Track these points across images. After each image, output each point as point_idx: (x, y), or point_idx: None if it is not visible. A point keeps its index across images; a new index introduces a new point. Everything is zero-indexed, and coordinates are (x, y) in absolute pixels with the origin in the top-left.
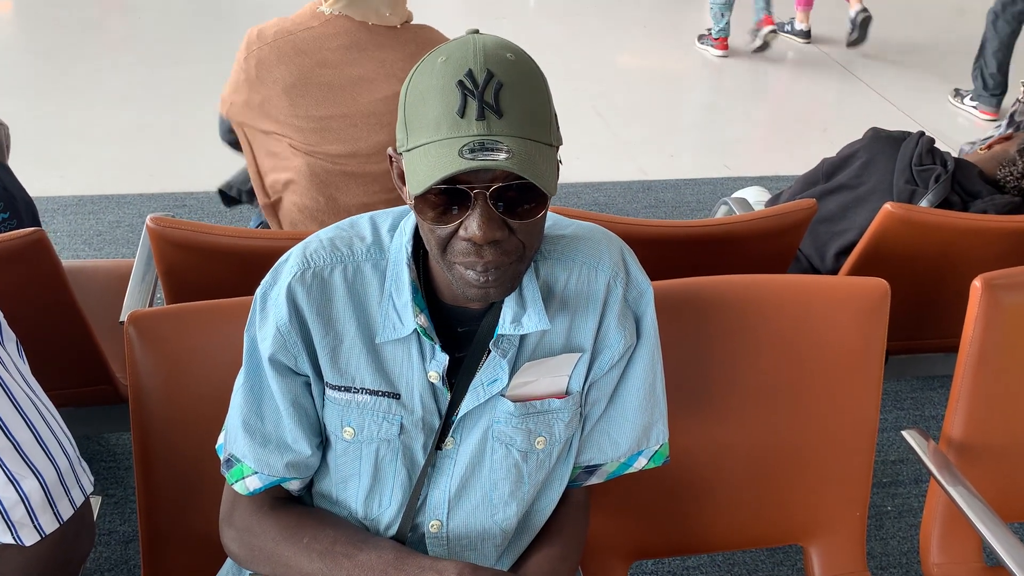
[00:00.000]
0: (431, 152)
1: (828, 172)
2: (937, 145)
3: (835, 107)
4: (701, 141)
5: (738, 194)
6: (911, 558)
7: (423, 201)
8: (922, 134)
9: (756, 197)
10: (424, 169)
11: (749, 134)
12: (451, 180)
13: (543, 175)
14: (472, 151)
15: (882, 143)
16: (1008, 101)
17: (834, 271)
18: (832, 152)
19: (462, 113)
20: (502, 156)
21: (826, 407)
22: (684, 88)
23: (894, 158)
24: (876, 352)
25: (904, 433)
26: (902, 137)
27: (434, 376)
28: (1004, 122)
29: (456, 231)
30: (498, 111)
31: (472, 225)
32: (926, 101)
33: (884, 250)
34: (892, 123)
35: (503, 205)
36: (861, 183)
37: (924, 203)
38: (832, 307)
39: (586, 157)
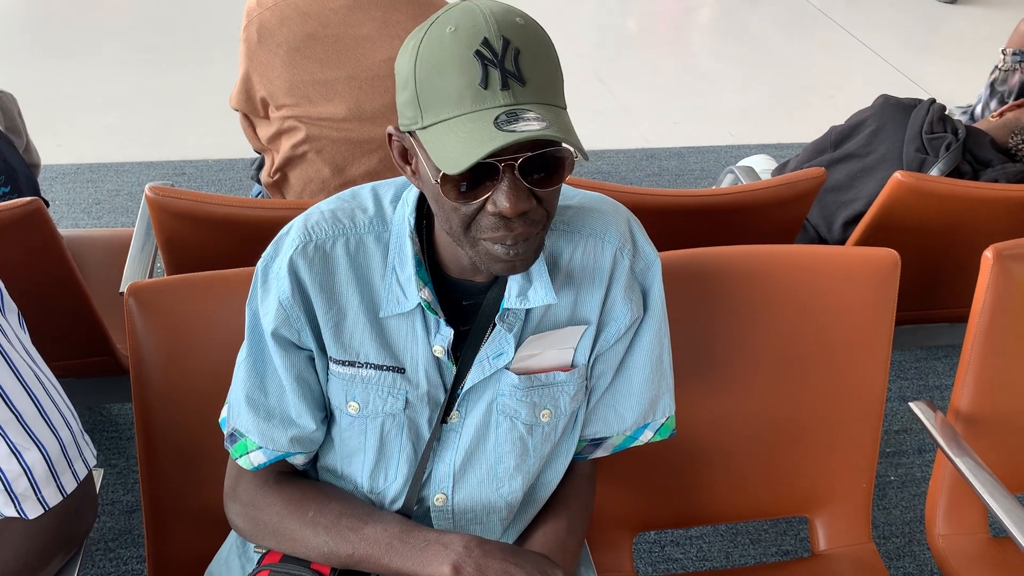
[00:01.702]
0: (461, 127)
1: (836, 140)
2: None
3: (842, 73)
4: (705, 108)
5: (744, 162)
6: (914, 527)
7: (447, 179)
8: (933, 101)
9: (762, 165)
10: (456, 145)
11: (754, 101)
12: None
13: (576, 139)
14: (507, 122)
15: (892, 111)
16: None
17: (842, 241)
18: (839, 119)
19: (485, 84)
20: (539, 125)
21: (834, 379)
22: (688, 54)
23: (904, 126)
24: (885, 323)
25: (912, 405)
26: (912, 104)
27: (439, 350)
28: (984, 92)
29: (482, 207)
30: (521, 79)
31: (501, 199)
32: (934, 67)
33: (893, 220)
34: (901, 90)
35: (528, 175)
36: (870, 151)
37: (934, 172)
38: (841, 278)
39: (589, 124)
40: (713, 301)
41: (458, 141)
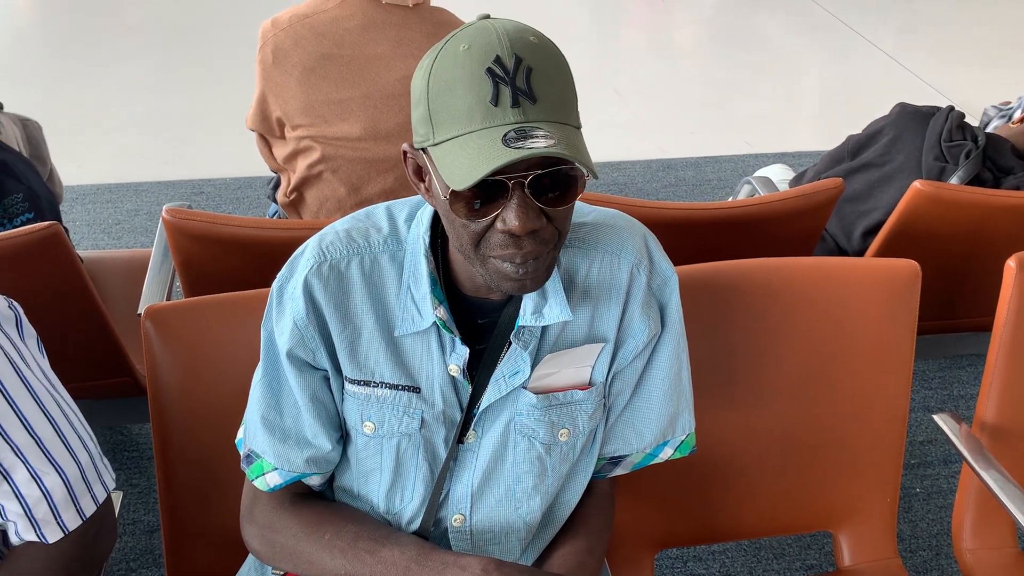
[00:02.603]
0: (469, 144)
1: (854, 150)
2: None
3: (859, 80)
4: (721, 117)
5: (760, 172)
6: (941, 540)
7: (457, 196)
8: (952, 108)
9: (779, 175)
10: (465, 162)
11: (770, 109)
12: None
13: (586, 158)
14: (515, 139)
15: (910, 119)
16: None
17: (861, 251)
18: (857, 126)
19: (495, 101)
20: (546, 143)
21: (855, 392)
22: (703, 63)
23: (922, 134)
24: (906, 335)
25: (936, 417)
26: (931, 112)
27: (454, 369)
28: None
29: (492, 224)
30: (531, 96)
31: (510, 216)
32: (953, 74)
33: (913, 229)
34: (920, 97)
35: (538, 193)
36: (888, 160)
37: (954, 180)
38: (861, 290)
39: (604, 136)
40: (732, 315)
41: (466, 158)
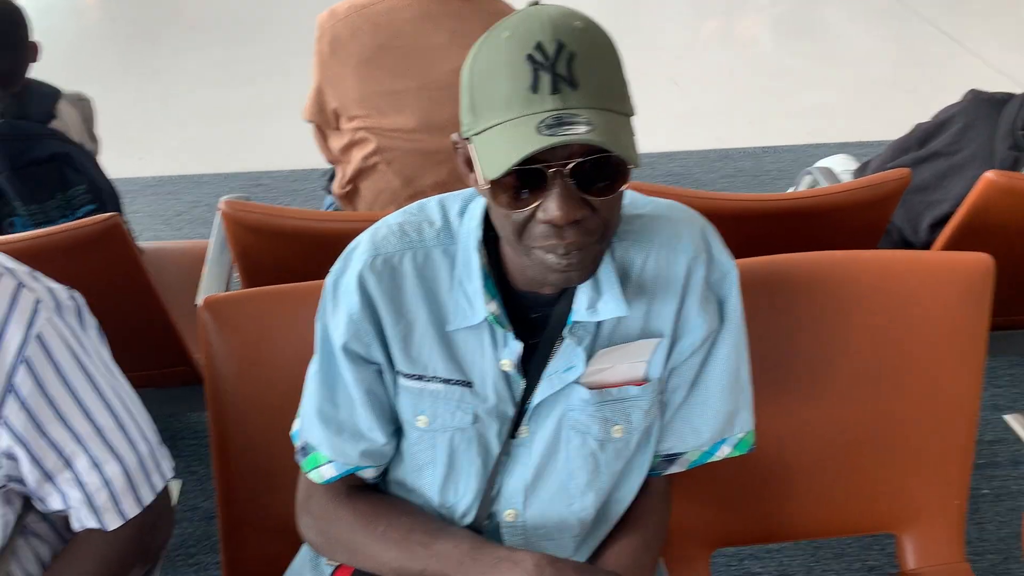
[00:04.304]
0: (505, 132)
1: (921, 139)
2: None
3: (925, 68)
4: (781, 107)
5: (822, 163)
6: (1010, 544)
7: (497, 185)
8: None
9: (842, 166)
10: (499, 151)
11: (831, 98)
12: (527, 160)
13: (626, 146)
14: (550, 127)
15: (982, 106)
16: None
17: (928, 244)
18: (922, 116)
19: (534, 88)
20: (583, 129)
21: (923, 390)
22: (762, 51)
23: (995, 122)
24: (978, 332)
25: (1007, 418)
26: (1005, 99)
27: (507, 364)
28: None
29: (533, 214)
30: (572, 83)
31: (551, 206)
32: None
33: (984, 221)
34: (991, 85)
35: (582, 182)
36: (958, 150)
37: None
38: (931, 285)
39: (660, 125)
40: (794, 310)
41: (500, 146)
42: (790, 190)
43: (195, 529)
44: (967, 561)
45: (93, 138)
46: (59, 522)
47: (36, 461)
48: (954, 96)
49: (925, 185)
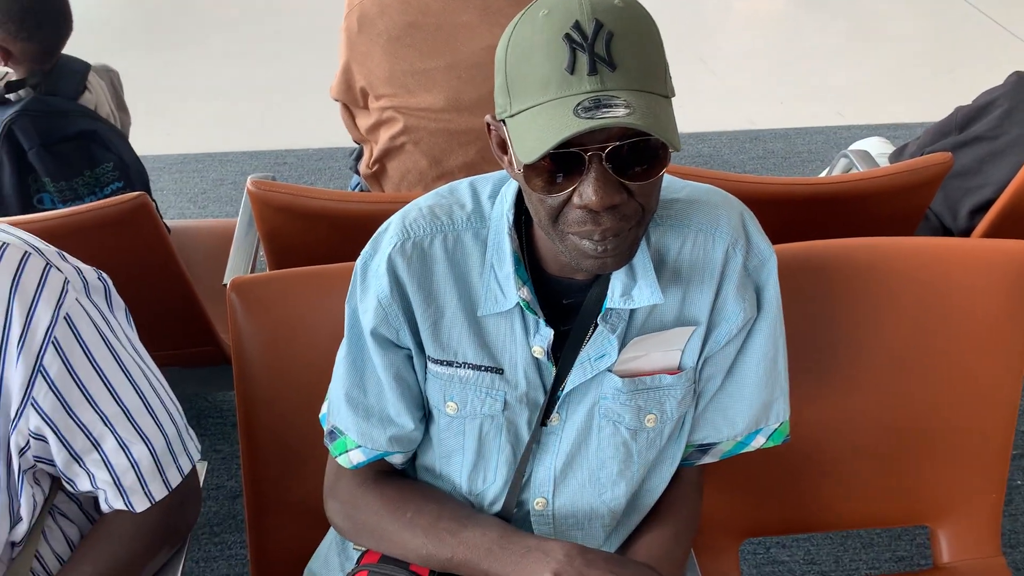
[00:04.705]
0: (541, 115)
1: (962, 122)
2: None
3: (963, 48)
4: (813, 87)
5: (858, 145)
6: None
7: (532, 169)
8: None
9: (879, 149)
10: (535, 134)
11: (865, 78)
12: (564, 143)
13: (666, 129)
14: (587, 109)
15: None
16: None
17: (968, 230)
18: (960, 98)
19: (572, 69)
20: (621, 112)
21: (961, 380)
22: (793, 29)
23: None
24: (1019, 321)
25: None
26: None
27: (538, 351)
28: None
29: (569, 199)
30: (611, 63)
31: (587, 191)
32: None
33: None
34: None
35: (619, 166)
36: (1001, 134)
37: None
38: (971, 273)
39: (688, 105)
40: (829, 297)
41: (537, 129)
42: (823, 173)
43: (219, 508)
44: (1003, 555)
45: (124, 108)
46: (87, 503)
47: (64, 442)
48: (994, 79)
49: (965, 170)
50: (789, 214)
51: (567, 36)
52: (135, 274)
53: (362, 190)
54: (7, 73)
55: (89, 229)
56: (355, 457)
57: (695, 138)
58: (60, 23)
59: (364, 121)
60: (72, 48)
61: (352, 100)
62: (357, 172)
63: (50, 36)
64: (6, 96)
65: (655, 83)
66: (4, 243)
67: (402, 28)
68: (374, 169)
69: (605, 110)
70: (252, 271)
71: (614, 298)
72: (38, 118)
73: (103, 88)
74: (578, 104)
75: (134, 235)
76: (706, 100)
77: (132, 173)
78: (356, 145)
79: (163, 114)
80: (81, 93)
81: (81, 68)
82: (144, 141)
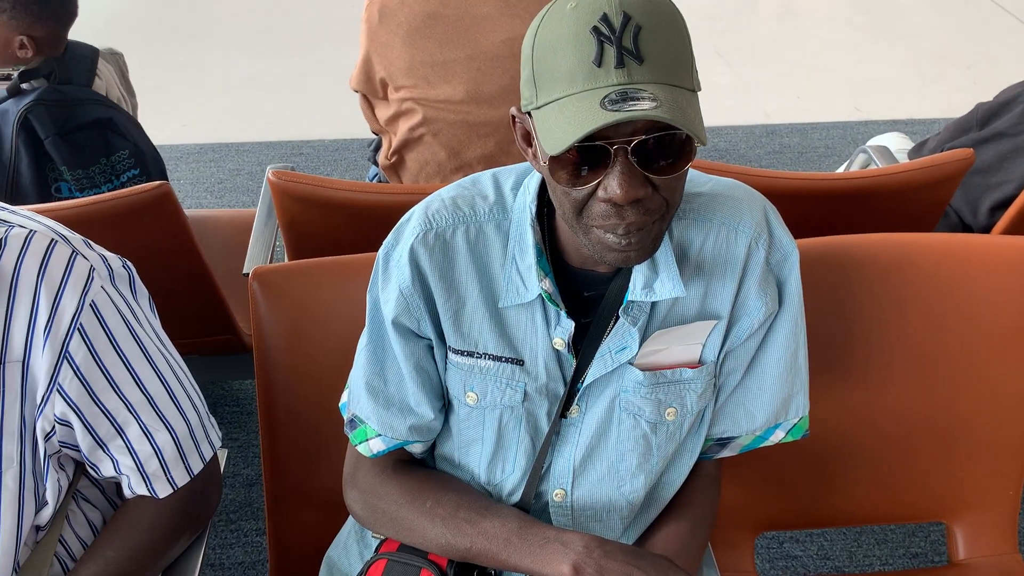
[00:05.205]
0: (568, 107)
1: (983, 119)
2: None
3: (982, 43)
4: (830, 81)
5: (876, 140)
6: None
7: (557, 162)
8: None
9: (898, 144)
10: (561, 126)
11: (882, 73)
12: (590, 136)
13: (693, 123)
14: (614, 102)
15: None
16: None
17: (988, 227)
18: (979, 94)
19: (599, 61)
20: (648, 105)
21: (980, 377)
22: (811, 23)
23: None
24: None
25: None
26: None
27: (559, 343)
28: None
29: (594, 192)
30: (638, 56)
31: (612, 184)
32: None
33: None
34: None
35: (645, 160)
36: (1022, 131)
37: None
38: (990, 269)
39: (703, 99)
40: (848, 293)
41: (563, 121)
42: (840, 168)
43: (236, 495)
44: (1020, 552)
45: (131, 92)
46: (110, 489)
47: (89, 428)
48: (1013, 76)
49: (986, 167)
50: (808, 209)
51: (595, 29)
52: (156, 263)
53: (380, 181)
54: (17, 70)
55: (111, 217)
56: (375, 446)
57: (710, 132)
58: (59, 12)
59: (383, 112)
60: (90, 41)
61: (371, 91)
62: (375, 163)
63: (54, 26)
64: (21, 87)
65: (682, 77)
66: (31, 231)
67: (422, 19)
68: (392, 160)
69: (632, 103)
70: (270, 261)
71: (636, 291)
72: (53, 107)
73: (111, 72)
74: (605, 97)
75: (156, 224)
76: (722, 94)
77: (148, 160)
78: (375, 136)
79: (180, 105)
80: (92, 80)
81: (90, 53)
82: (161, 131)
